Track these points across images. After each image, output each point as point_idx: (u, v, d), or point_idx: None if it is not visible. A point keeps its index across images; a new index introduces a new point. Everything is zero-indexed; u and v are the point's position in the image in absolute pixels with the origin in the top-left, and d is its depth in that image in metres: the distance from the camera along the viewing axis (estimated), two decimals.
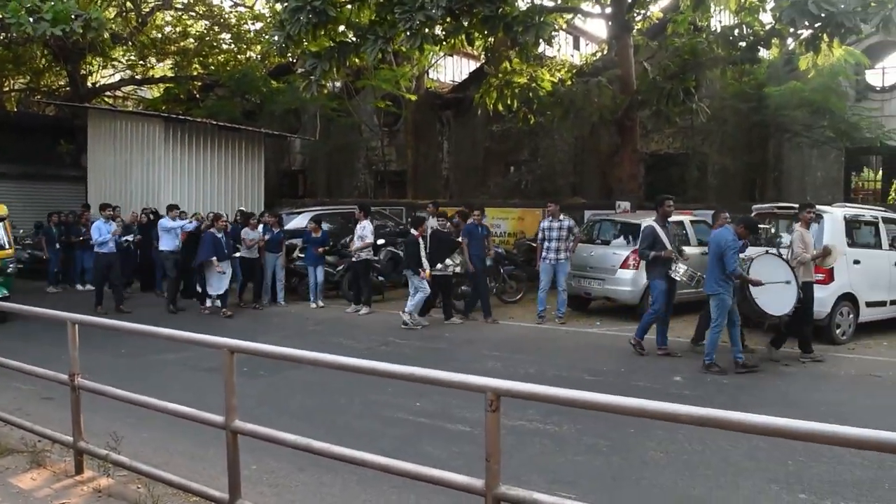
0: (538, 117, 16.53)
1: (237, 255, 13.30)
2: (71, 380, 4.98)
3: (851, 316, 10.18)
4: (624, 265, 11.82)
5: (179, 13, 25.84)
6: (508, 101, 15.88)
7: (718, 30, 15.45)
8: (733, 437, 5.70)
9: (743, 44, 14.29)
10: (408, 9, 12.14)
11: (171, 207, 14.31)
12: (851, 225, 10.60)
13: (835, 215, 10.17)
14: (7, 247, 12.64)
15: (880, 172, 19.38)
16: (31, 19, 14.18)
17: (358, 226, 12.99)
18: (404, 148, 23.05)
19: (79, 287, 16.12)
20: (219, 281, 12.70)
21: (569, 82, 16.19)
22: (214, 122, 18.57)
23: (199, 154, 17.89)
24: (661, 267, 9.44)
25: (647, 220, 9.96)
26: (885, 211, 11.54)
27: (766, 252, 9.26)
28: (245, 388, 5.95)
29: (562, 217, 11.89)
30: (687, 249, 12.27)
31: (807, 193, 17.55)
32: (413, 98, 20.69)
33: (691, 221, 12.90)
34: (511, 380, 3.35)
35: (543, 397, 3.15)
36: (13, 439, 5.71)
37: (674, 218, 12.89)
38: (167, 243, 13.63)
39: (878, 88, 17.68)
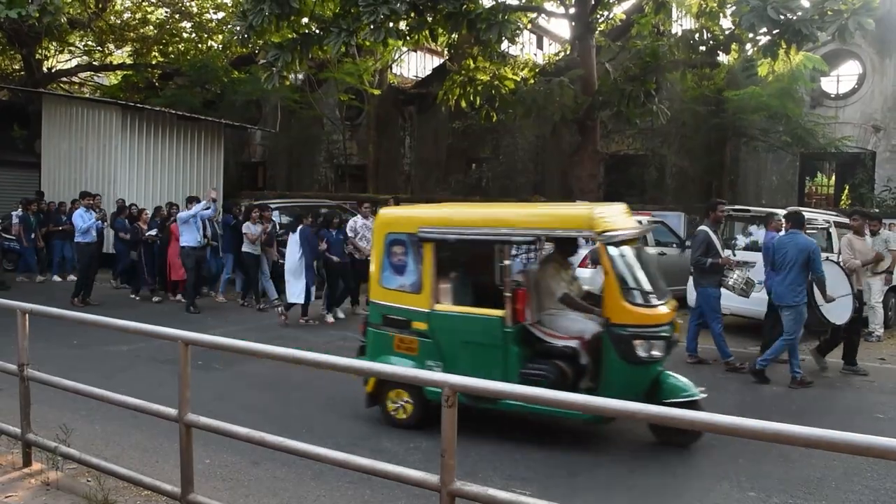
0: (500, 115, 16.56)
1: (244, 250, 12.78)
2: (20, 370, 4.87)
3: None
4: (582, 264, 11.90)
5: (139, 0, 25.36)
6: (471, 98, 15.89)
7: (680, 33, 15.66)
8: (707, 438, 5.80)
9: (703, 48, 14.51)
10: (372, 3, 12.07)
11: (83, 195, 13.82)
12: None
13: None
14: None
15: (833, 178, 19.85)
16: None
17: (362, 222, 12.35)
18: (366, 142, 22.92)
19: (56, 278, 15.67)
20: (297, 285, 11.34)
21: (531, 81, 16.24)
22: (173, 112, 18.26)
23: (157, 144, 17.58)
24: (715, 275, 8.79)
25: (701, 225, 9.31)
26: (836, 216, 11.82)
27: (827, 259, 8.85)
28: (200, 381, 5.87)
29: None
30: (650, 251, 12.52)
31: (762, 197, 17.91)
32: (376, 92, 20.60)
33: (649, 222, 13.06)
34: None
35: (502, 394, 3.18)
36: None
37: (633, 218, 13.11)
38: (189, 238, 12.55)
39: (832, 96, 18.10)
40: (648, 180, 18.93)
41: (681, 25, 17.58)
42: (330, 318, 11.67)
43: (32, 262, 15.48)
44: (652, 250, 12.63)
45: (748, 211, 10.89)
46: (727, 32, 13.84)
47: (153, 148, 17.51)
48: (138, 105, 18.34)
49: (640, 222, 12.78)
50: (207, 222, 13.06)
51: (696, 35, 14.46)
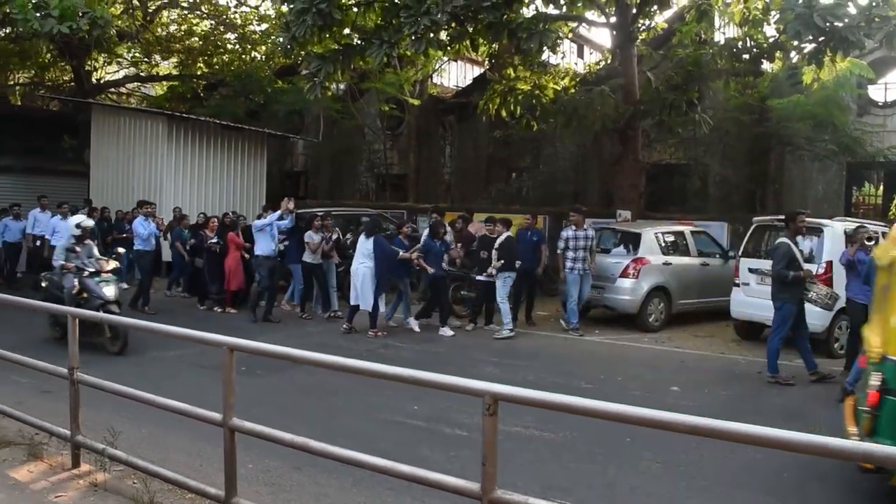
0: (541, 124, 16.53)
1: (304, 259, 12.59)
2: (70, 374, 5.00)
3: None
4: (623, 274, 11.83)
5: (185, 12, 25.87)
6: (511, 108, 15.88)
7: (722, 42, 15.49)
8: (730, 449, 5.71)
9: (746, 56, 14.34)
10: (413, 13, 12.17)
11: (142, 203, 13.97)
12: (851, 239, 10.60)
13: (835, 229, 10.16)
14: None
15: (881, 188, 19.40)
16: (37, 15, 14.20)
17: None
18: (407, 152, 23.06)
19: (123, 285, 15.94)
20: (368, 293, 11.26)
21: (572, 90, 16.21)
22: (218, 122, 18.57)
23: (202, 153, 17.89)
24: (796, 289, 8.50)
25: (780, 237, 9.02)
26: (884, 226, 11.55)
27: None
28: (244, 387, 5.96)
29: (585, 227, 11.67)
30: (686, 260, 12.39)
31: (807, 207, 17.52)
32: (416, 102, 20.71)
33: (692, 232, 12.92)
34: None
35: (541, 402, 3.17)
36: (11, 432, 5.72)
37: (675, 228, 12.99)
38: (263, 247, 12.25)
39: (880, 104, 17.73)
40: (691, 190, 18.72)
41: (723, 34, 17.38)
42: (449, 332, 11.31)
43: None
44: (694, 261, 12.49)
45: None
46: (771, 40, 13.66)
47: (198, 157, 17.82)
48: (184, 115, 18.70)
49: (681, 233, 12.76)
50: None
51: (740, 43, 14.30)
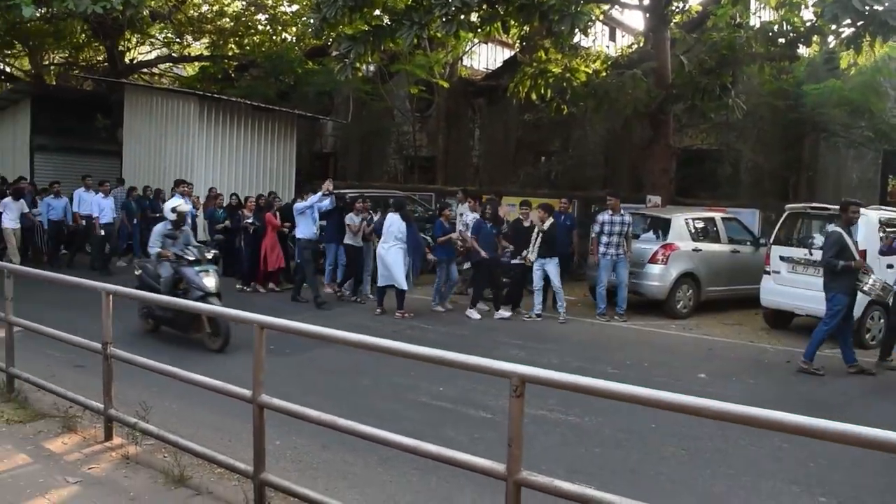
0: (571, 108, 16.40)
1: (346, 242, 12.47)
2: (104, 348, 5.10)
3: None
4: (653, 260, 11.75)
5: None
6: (542, 91, 15.76)
7: (758, 25, 15.21)
8: (756, 437, 5.68)
9: (782, 40, 14.06)
10: None
11: (178, 182, 14.11)
12: (886, 227, 10.43)
13: (870, 217, 9.99)
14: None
15: None
16: None
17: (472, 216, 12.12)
18: (436, 134, 23.03)
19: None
20: (401, 273, 11.32)
21: (603, 74, 16.05)
22: (249, 102, 18.68)
23: (232, 133, 18.01)
24: (847, 279, 8.36)
25: (831, 226, 8.98)
26: None
27: None
28: (271, 365, 6.04)
29: (622, 212, 11.57)
30: (716, 247, 12.27)
31: (841, 195, 17.25)
32: (446, 85, 20.65)
33: (722, 219, 12.78)
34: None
35: (567, 385, 3.17)
36: (46, 404, 5.87)
37: (705, 214, 12.86)
38: (305, 230, 12.16)
39: None
40: (722, 176, 18.47)
41: (759, 17, 17.08)
42: (476, 315, 11.30)
43: (123, 248, 16.13)
44: (725, 248, 12.37)
45: (827, 209, 10.52)
46: (808, 24, 13.39)
47: (229, 137, 17.95)
48: (215, 95, 18.82)
49: (712, 219, 12.63)
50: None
51: (776, 27, 14.04)
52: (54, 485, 4.43)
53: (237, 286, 13.24)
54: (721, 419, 2.81)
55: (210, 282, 8.73)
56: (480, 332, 10.42)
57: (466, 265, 12.81)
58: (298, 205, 12.37)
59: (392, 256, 11.17)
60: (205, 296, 8.49)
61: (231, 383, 4.48)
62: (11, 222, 14.57)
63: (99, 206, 15.14)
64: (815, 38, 13.53)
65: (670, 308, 11.74)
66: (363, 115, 22.97)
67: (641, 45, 19.24)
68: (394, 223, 11.31)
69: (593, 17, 14.52)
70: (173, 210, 9.17)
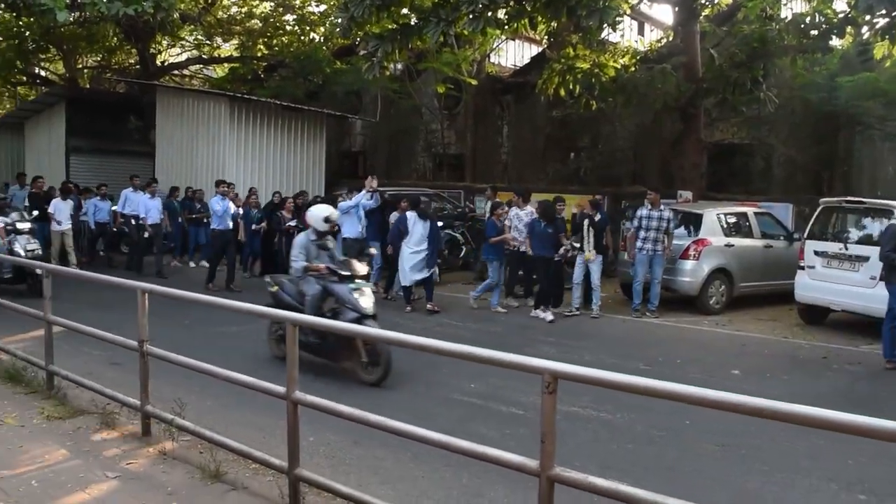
0: (600, 103, 16.31)
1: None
2: (140, 346, 5.18)
3: None
4: (684, 255, 11.64)
5: None
6: (570, 87, 15.67)
7: (790, 17, 15.00)
8: (792, 433, 5.60)
9: (815, 32, 13.84)
10: None
11: (219, 182, 13.97)
12: None
13: None
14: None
15: None
16: None
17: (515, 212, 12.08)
18: (464, 131, 23.04)
19: (191, 264, 16.21)
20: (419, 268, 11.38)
21: (632, 69, 15.93)
22: (278, 102, 18.85)
23: (262, 133, 18.19)
24: None
25: (893, 220, 8.89)
26: None
27: None
28: (304, 362, 6.09)
29: (661, 207, 11.42)
30: (749, 242, 12.13)
31: (877, 188, 16.99)
32: (474, 82, 20.64)
33: (755, 213, 12.62)
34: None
35: (600, 381, 3.16)
36: (84, 401, 5.98)
37: (738, 209, 12.72)
38: (350, 229, 11.96)
39: None
40: (754, 170, 18.28)
41: (791, 9, 16.83)
42: (550, 316, 10.94)
43: (169, 248, 16.14)
44: (758, 243, 12.22)
45: (862, 203, 10.36)
46: (841, 15, 13.17)
47: (259, 137, 18.13)
48: (245, 96, 19.00)
49: (744, 214, 12.48)
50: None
51: (808, 18, 13.81)
52: (94, 480, 4.52)
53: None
54: (757, 416, 2.78)
55: (367, 302, 7.42)
56: (512, 328, 10.40)
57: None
58: (343, 204, 12.12)
59: (417, 258, 11.27)
60: (361, 318, 7.20)
61: (263, 380, 4.53)
62: (60, 224, 14.25)
63: (146, 207, 15.02)
64: (848, 29, 13.31)
65: (703, 304, 11.62)
66: (391, 114, 23.04)
67: (671, 39, 19.09)
68: (414, 225, 11.37)
69: (621, 12, 14.38)
70: (326, 220, 7.91)
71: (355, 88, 22.36)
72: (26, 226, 12.26)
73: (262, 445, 4.81)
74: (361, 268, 7.70)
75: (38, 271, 8.84)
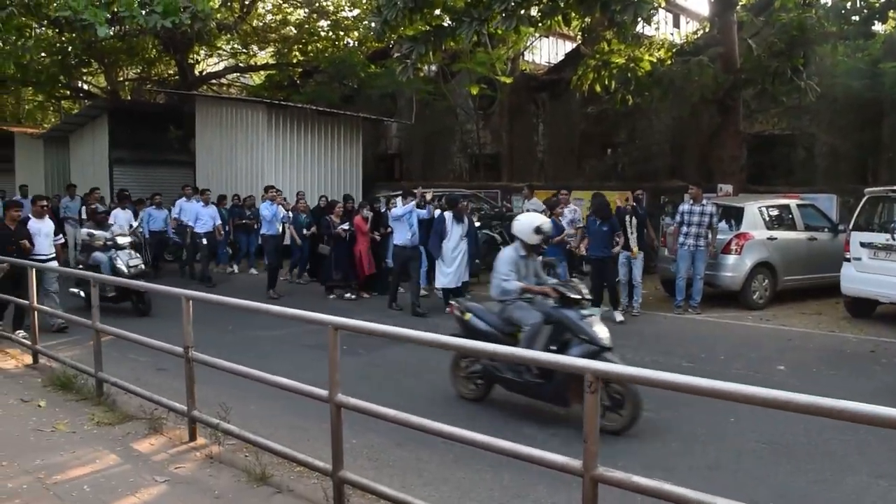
0: (636, 98, 16.16)
1: None
2: (185, 352, 5.27)
3: None
4: (726, 250, 11.48)
5: (280, 2, 26.54)
6: (606, 83, 15.57)
7: (830, 3, 14.70)
8: (841, 430, 5.51)
9: (856, 18, 13.56)
10: None
11: (267, 188, 14.09)
12: None
13: None
14: None
15: None
16: (143, 12, 14.88)
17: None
18: (499, 131, 23.02)
19: (248, 270, 16.18)
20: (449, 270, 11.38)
21: (668, 62, 15.76)
22: (314, 108, 19.03)
23: (300, 138, 18.40)
24: None
25: None
26: None
27: None
28: (344, 365, 6.15)
29: (703, 202, 11.24)
30: (792, 235, 11.91)
31: None
32: (508, 81, 20.61)
33: (798, 205, 12.39)
34: None
35: (642, 380, 3.14)
36: (132, 406, 6.11)
37: (780, 202, 12.50)
38: (401, 236, 11.74)
39: None
40: (796, 161, 17.94)
41: None
42: (619, 317, 10.62)
43: (223, 255, 16.25)
44: (801, 235, 12.00)
45: None
46: None
47: (296, 142, 18.34)
48: (282, 102, 19.22)
49: (786, 206, 12.26)
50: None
51: (849, 4, 13.53)
52: (143, 484, 4.61)
53: (331, 295, 13.02)
54: (805, 413, 2.73)
55: (603, 331, 6.13)
56: None
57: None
58: (395, 211, 11.96)
59: (459, 259, 11.31)
60: (599, 351, 5.95)
61: (305, 384, 4.58)
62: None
63: (199, 215, 14.93)
64: (890, 13, 13.01)
65: (746, 299, 11.44)
66: (426, 115, 23.11)
67: (707, 30, 18.84)
68: (452, 223, 11.37)
69: (656, 5, 14.24)
70: (538, 231, 6.69)
71: (390, 91, 22.49)
72: (127, 240, 11.68)
73: (307, 448, 4.86)
74: (583, 287, 6.44)
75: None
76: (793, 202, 12.49)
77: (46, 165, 25.58)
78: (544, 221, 6.93)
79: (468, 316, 6.70)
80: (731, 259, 11.45)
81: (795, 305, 11.54)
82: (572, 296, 6.19)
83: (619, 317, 10.56)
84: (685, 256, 11.12)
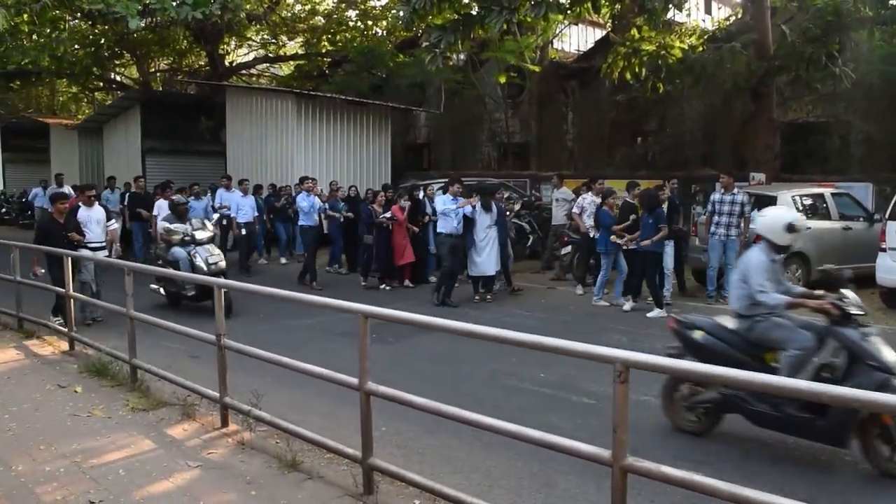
0: (667, 86, 15.98)
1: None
2: (217, 340, 5.34)
3: None
4: (758, 239, 11.29)
5: None
6: (636, 70, 15.41)
7: None
8: None
9: (893, 2, 13.28)
10: None
11: (303, 179, 14.00)
12: None
13: None
14: None
15: None
16: (174, 3, 15.05)
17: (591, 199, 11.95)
18: (528, 119, 22.90)
19: (283, 260, 16.08)
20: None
21: (700, 49, 15.55)
22: (343, 97, 19.09)
23: (329, 128, 18.48)
24: None
25: None
26: None
27: None
28: (374, 353, 6.18)
29: (735, 191, 11.06)
30: (826, 224, 11.72)
31: None
32: (537, 69, 20.48)
33: (832, 194, 12.19)
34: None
35: (673, 370, 3.13)
36: (166, 393, 6.21)
37: (814, 190, 12.30)
38: (446, 225, 11.55)
39: None
40: (831, 149, 17.60)
41: None
42: (627, 306, 10.66)
43: (260, 245, 16.24)
44: (835, 225, 11.81)
45: None
46: None
47: (325, 132, 18.42)
48: (311, 93, 19.30)
49: (821, 195, 12.06)
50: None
51: None
52: (177, 469, 4.69)
53: (362, 283, 13.05)
54: (841, 404, 2.70)
55: (892, 355, 4.97)
56: (580, 317, 10.32)
57: (565, 250, 12.79)
58: (445, 209, 11.57)
59: (487, 247, 11.34)
60: (888, 379, 4.79)
61: (336, 372, 4.62)
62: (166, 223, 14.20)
63: (238, 205, 14.92)
64: None
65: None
66: (455, 104, 23.05)
67: (739, 16, 18.57)
68: (481, 213, 11.41)
69: None
70: (790, 228, 5.70)
71: (419, 81, 22.45)
72: (206, 234, 10.92)
73: (336, 435, 4.91)
74: (859, 301, 5.37)
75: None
76: (827, 191, 12.28)
77: (81, 156, 26.00)
78: (797, 217, 5.87)
79: (699, 334, 5.58)
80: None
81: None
82: (853, 311, 5.17)
83: (660, 313, 10.12)
84: (716, 246, 10.99)
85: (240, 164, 19.66)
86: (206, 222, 11.66)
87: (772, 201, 11.57)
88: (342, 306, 4.52)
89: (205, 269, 10.29)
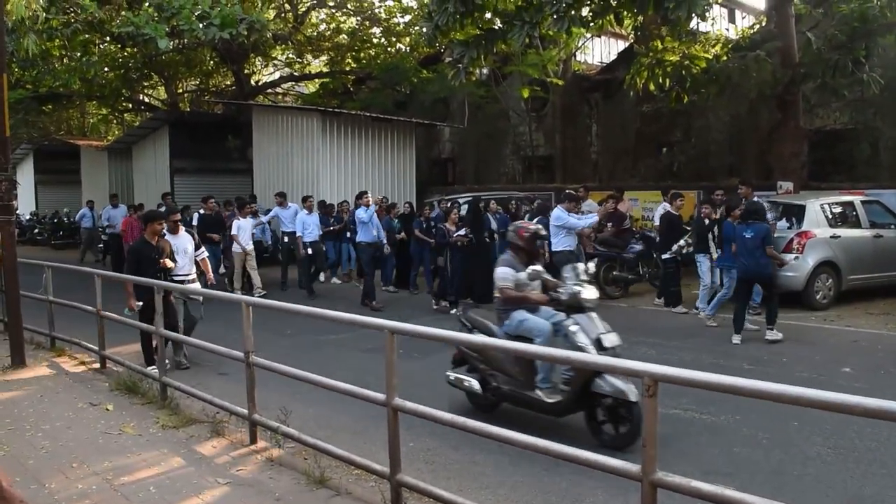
0: (692, 96, 15.90)
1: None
2: (246, 357, 5.39)
3: None
4: (787, 249, 11.20)
5: (332, 11, 26.91)
6: (660, 81, 15.34)
7: None
8: None
9: None
10: None
11: (360, 195, 13.11)
12: None
13: None
14: None
15: None
16: (201, 25, 15.27)
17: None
18: (552, 132, 22.89)
19: (335, 280, 15.84)
20: None
21: (724, 58, 15.44)
22: (368, 114, 19.23)
23: (354, 145, 18.61)
24: None
25: None
26: None
27: None
28: (399, 369, 6.18)
29: (754, 199, 10.81)
30: (856, 233, 11.56)
31: None
32: (560, 82, 20.49)
33: (862, 202, 12.02)
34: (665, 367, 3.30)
35: (702, 384, 3.09)
36: (195, 410, 6.27)
37: (843, 198, 12.14)
38: (561, 243, 10.95)
39: None
40: (859, 156, 17.36)
41: None
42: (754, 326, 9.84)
43: (331, 263, 15.81)
44: (866, 233, 11.64)
45: None
46: None
47: (351, 149, 18.56)
48: (336, 110, 19.46)
49: (850, 203, 11.90)
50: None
51: None
52: (206, 486, 4.73)
53: (433, 307, 12.33)
54: (873, 417, 2.65)
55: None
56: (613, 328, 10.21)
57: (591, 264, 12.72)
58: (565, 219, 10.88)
59: None
60: None
61: (362, 388, 4.64)
62: (242, 243, 13.61)
63: (304, 224, 14.32)
64: None
65: (809, 299, 11.14)
66: (479, 119, 23.11)
67: (764, 24, 18.42)
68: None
69: (711, 1, 14.01)
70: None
71: (442, 96, 22.55)
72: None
73: (364, 451, 4.92)
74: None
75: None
76: (857, 198, 12.12)
77: (111, 176, 26.46)
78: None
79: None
80: (792, 258, 11.17)
81: (861, 305, 11.20)
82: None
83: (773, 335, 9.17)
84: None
85: (266, 182, 19.87)
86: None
87: (800, 210, 11.49)
88: (368, 322, 4.55)
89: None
